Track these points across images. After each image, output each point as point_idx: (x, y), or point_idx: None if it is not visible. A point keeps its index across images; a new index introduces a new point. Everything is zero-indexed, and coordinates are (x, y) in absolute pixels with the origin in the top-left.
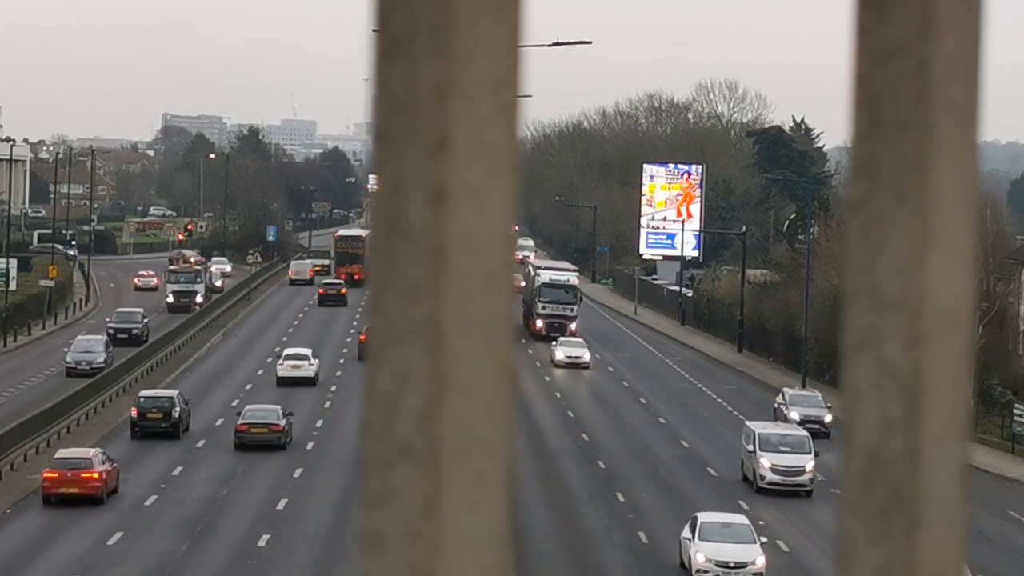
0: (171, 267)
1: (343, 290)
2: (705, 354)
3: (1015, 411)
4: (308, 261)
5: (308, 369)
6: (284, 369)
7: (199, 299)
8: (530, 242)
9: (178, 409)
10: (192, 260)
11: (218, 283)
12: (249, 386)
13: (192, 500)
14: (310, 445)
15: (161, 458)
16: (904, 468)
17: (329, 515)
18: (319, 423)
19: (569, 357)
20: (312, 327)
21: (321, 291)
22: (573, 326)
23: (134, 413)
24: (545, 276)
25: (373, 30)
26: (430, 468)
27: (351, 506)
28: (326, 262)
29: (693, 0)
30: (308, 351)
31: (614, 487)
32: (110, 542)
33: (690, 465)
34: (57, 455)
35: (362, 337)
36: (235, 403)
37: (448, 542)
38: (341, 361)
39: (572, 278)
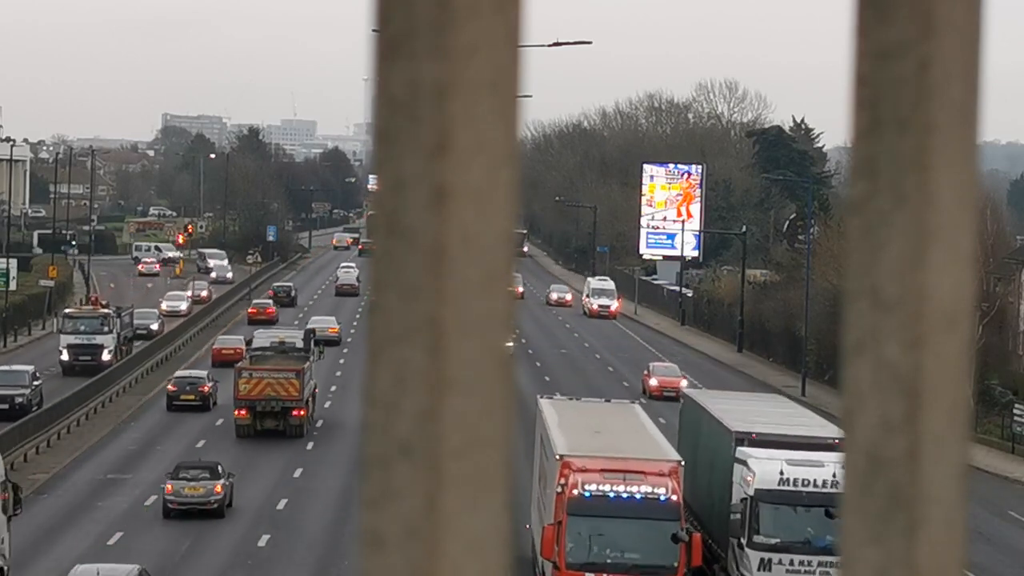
0: (67, 310)
1: None
2: (705, 354)
3: (1015, 411)
4: (346, 233)
5: (354, 273)
6: (341, 271)
7: (106, 355)
8: (610, 284)
9: (294, 292)
10: (99, 301)
11: (154, 326)
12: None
13: None
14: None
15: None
16: (904, 468)
17: (329, 515)
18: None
19: None
20: (357, 264)
21: (360, 247)
22: None
23: (270, 294)
24: (769, 469)
25: (373, 30)
26: (430, 468)
27: (351, 506)
28: (357, 235)
29: (693, 0)
30: (353, 264)
31: None
32: (110, 542)
33: None
34: None
35: None
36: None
37: (448, 542)
38: None
39: (832, 477)
